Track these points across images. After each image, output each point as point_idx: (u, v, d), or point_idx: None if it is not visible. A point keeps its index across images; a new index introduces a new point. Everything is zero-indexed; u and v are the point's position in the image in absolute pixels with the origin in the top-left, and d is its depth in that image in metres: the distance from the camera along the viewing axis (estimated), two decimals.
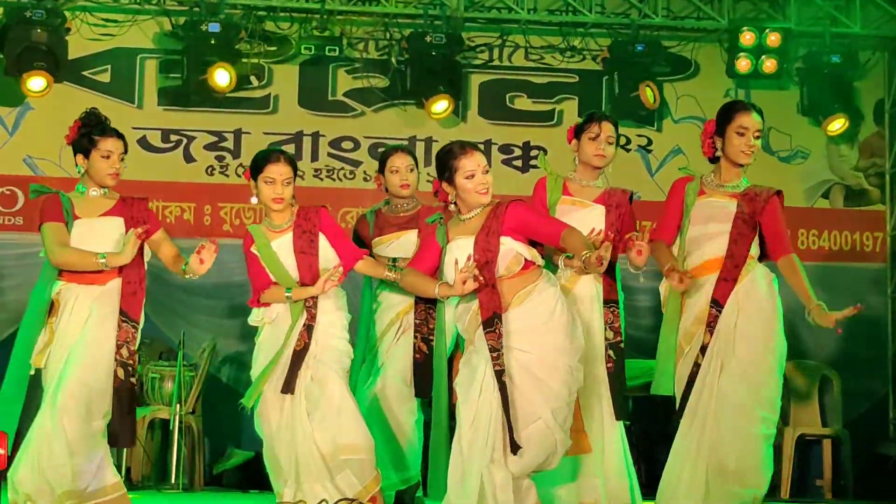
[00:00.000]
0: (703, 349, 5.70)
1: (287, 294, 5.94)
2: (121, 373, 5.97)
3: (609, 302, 6.01)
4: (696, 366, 5.71)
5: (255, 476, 8.52)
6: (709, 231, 5.79)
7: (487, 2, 10.04)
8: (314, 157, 10.00)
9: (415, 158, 6.82)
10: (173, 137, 9.91)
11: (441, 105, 9.67)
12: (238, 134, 9.96)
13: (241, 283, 9.45)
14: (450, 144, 5.59)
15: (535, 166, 9.86)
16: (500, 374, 5.31)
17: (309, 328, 5.94)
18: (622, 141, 9.65)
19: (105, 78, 9.85)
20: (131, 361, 6.01)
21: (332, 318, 6.02)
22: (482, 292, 5.37)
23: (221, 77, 9.49)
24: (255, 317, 6.10)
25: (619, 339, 5.99)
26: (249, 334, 9.20)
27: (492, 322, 5.36)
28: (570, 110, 10.09)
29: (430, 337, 6.22)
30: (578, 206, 6.05)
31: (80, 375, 5.90)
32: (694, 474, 5.67)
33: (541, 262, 5.51)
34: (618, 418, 5.95)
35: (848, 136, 10.30)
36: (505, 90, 10.24)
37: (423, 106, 9.75)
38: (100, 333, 5.97)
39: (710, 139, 5.90)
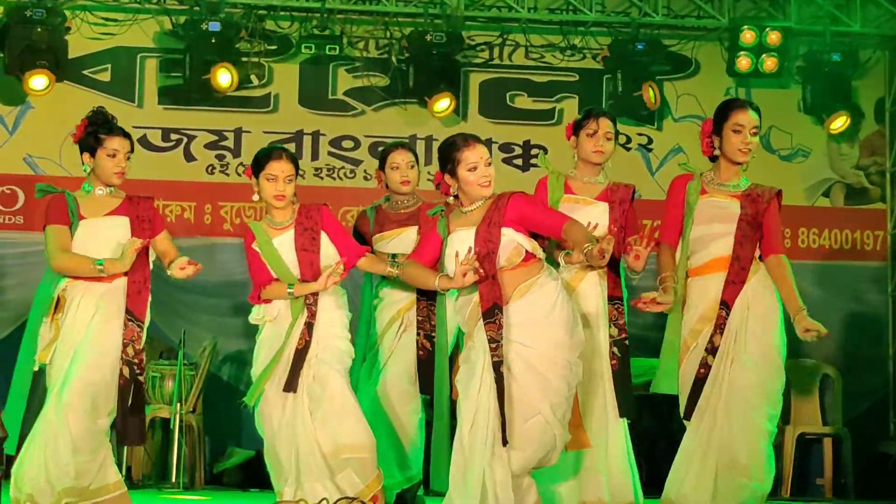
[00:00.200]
0: (713, 350, 5.68)
1: (289, 290, 5.94)
2: (126, 371, 5.97)
3: (613, 299, 5.98)
4: (706, 366, 5.69)
5: (255, 475, 8.52)
6: (713, 231, 5.77)
7: (487, 0, 10.04)
8: (314, 156, 10.00)
9: (415, 155, 6.82)
10: (174, 136, 9.91)
11: (443, 103, 9.67)
12: (238, 133, 9.96)
13: (241, 281, 9.46)
14: (453, 137, 5.59)
15: (535, 165, 9.86)
16: (497, 365, 5.31)
17: (310, 326, 5.94)
18: (622, 140, 9.66)
19: (105, 77, 9.85)
20: (137, 360, 6.01)
21: (333, 317, 6.02)
22: (483, 283, 5.36)
23: (224, 77, 9.50)
24: (256, 315, 6.10)
25: (623, 335, 5.97)
26: (250, 333, 9.20)
27: (492, 313, 5.35)
28: (570, 109, 10.08)
29: (433, 333, 6.22)
30: (581, 203, 6.03)
31: (86, 373, 5.91)
32: (703, 470, 5.66)
33: (541, 254, 5.50)
34: (621, 415, 5.93)
35: (849, 135, 10.30)
36: (505, 89, 10.23)
37: (425, 104, 9.75)
38: (105, 331, 5.97)
39: (708, 138, 5.89)
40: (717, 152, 5.87)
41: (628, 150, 10.07)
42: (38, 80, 9.32)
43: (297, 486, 5.89)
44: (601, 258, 5.17)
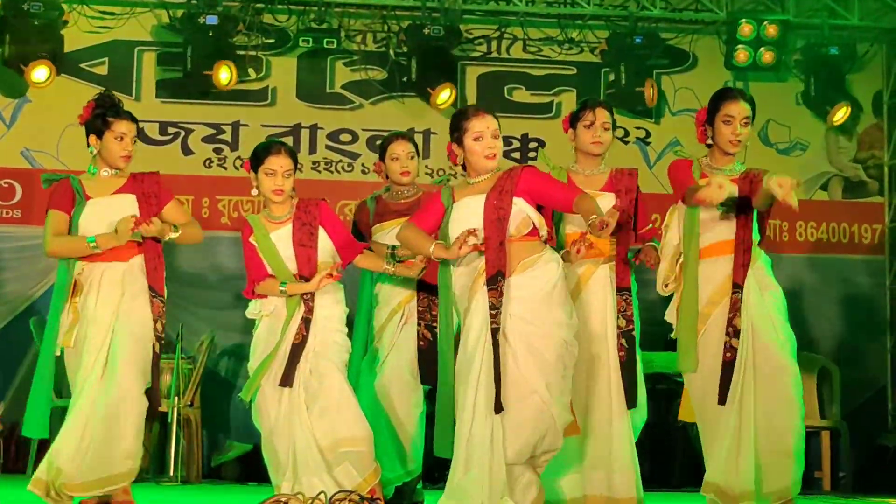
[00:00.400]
0: (736, 333, 5.65)
1: (282, 288, 5.94)
2: (157, 347, 6.03)
3: (622, 290, 5.96)
4: (731, 350, 5.67)
5: (253, 468, 8.54)
6: (718, 213, 5.78)
7: None
8: (312, 150, 10.00)
9: (415, 146, 6.81)
10: (171, 130, 9.91)
11: (445, 94, 9.67)
12: (236, 126, 9.95)
13: (239, 275, 9.43)
14: (465, 106, 5.61)
15: (533, 158, 9.86)
16: (495, 332, 5.32)
17: (307, 321, 5.94)
18: (620, 133, 9.67)
19: (103, 70, 9.84)
20: (163, 336, 6.06)
21: (330, 313, 6.02)
22: (490, 249, 5.37)
23: (223, 75, 9.52)
24: (253, 309, 6.10)
25: (630, 326, 5.93)
26: (248, 327, 9.18)
27: (495, 280, 5.36)
28: (568, 102, 10.07)
29: (434, 324, 6.23)
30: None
31: (135, 353, 5.93)
32: (746, 454, 5.61)
33: (545, 233, 5.49)
34: (628, 406, 5.90)
35: (846, 128, 10.31)
36: (503, 82, 10.23)
37: (423, 97, 9.76)
38: (137, 309, 5.98)
39: (702, 127, 5.91)
40: (710, 141, 5.89)
41: (626, 143, 10.07)
42: (39, 72, 9.33)
43: (294, 479, 5.88)
44: (600, 229, 5.16)
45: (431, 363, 6.04)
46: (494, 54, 10.25)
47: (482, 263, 5.42)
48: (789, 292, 5.95)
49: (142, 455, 6.07)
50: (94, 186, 6.08)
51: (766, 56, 9.80)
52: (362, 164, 9.95)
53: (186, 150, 9.88)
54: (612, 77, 10.05)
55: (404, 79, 9.83)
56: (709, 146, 5.91)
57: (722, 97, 5.88)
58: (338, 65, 10.10)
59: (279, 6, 9.92)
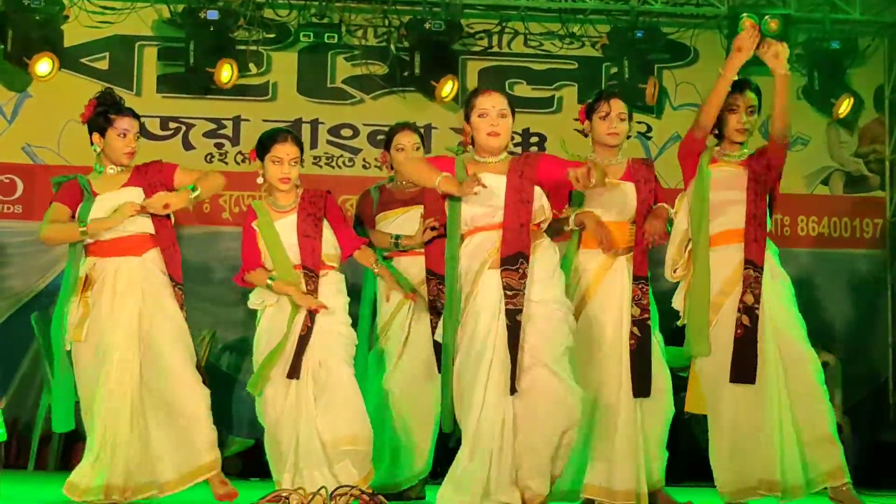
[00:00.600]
0: (747, 310, 5.67)
1: (269, 282, 5.94)
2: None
3: (638, 278, 5.95)
4: (742, 327, 5.68)
5: (255, 464, 8.52)
6: (729, 198, 5.81)
7: None
8: (313, 145, 9.99)
9: (421, 137, 6.81)
10: (172, 125, 9.90)
11: (448, 87, 9.67)
12: (237, 121, 9.95)
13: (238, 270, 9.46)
14: (478, 86, 5.60)
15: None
16: (514, 314, 5.27)
17: (310, 312, 5.94)
18: None
19: (103, 65, 9.84)
20: (187, 324, 6.09)
21: (335, 304, 6.02)
22: (509, 230, 5.34)
23: (225, 73, 9.53)
24: (256, 299, 6.09)
25: (645, 315, 5.92)
26: (249, 323, 9.18)
27: (515, 260, 5.32)
28: (569, 97, 10.08)
29: None
30: (609, 186, 6.03)
31: (181, 348, 5.97)
32: (789, 444, 5.64)
33: (548, 219, 5.49)
34: (636, 395, 5.87)
35: (848, 123, 10.31)
36: (504, 77, 10.22)
37: (424, 92, 9.76)
38: (168, 302, 6.02)
39: None
40: (716, 130, 5.91)
41: (627, 137, 10.02)
42: (43, 65, 9.33)
43: (295, 472, 5.89)
44: (588, 178, 5.17)
45: None
46: (495, 49, 10.24)
47: (491, 245, 5.38)
48: None
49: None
50: (101, 184, 6.09)
51: None
52: (363, 159, 9.95)
53: (187, 146, 9.88)
54: (613, 71, 10.05)
55: (405, 73, 9.82)
56: (717, 136, 5.93)
57: None
58: (339, 60, 10.09)
59: (280, 1, 9.92)
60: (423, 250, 6.50)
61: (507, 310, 5.29)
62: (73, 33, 9.65)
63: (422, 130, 7.15)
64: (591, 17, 10.13)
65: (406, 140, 6.73)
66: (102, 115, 6.09)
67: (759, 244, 5.75)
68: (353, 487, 5.61)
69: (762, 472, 5.68)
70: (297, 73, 10.06)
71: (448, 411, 5.46)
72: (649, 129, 10.23)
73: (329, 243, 6.05)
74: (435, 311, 6.37)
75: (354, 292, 6.30)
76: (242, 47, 9.78)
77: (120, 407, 5.86)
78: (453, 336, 5.42)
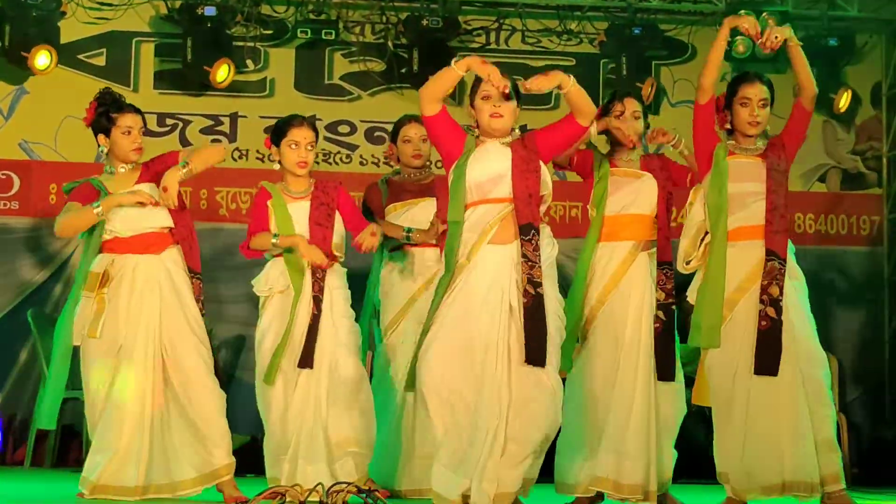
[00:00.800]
0: (772, 302, 5.65)
1: (273, 241, 5.93)
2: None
3: (662, 264, 5.97)
4: (767, 318, 5.66)
5: (251, 460, 8.50)
6: (747, 189, 5.80)
7: None
8: None
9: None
10: (169, 121, 9.89)
11: None
12: (234, 118, 9.94)
13: (238, 266, 9.46)
14: None
15: None
16: (536, 285, 5.19)
17: (317, 300, 5.93)
18: None
19: (100, 61, 9.82)
20: (204, 313, 6.08)
21: (342, 295, 6.05)
22: (520, 199, 5.28)
23: (221, 73, 9.52)
24: (263, 286, 6.07)
25: (670, 300, 5.94)
26: (248, 319, 9.23)
27: (528, 230, 5.25)
28: None
29: None
30: (631, 176, 6.04)
31: (202, 349, 5.95)
32: (804, 446, 5.63)
33: (545, 206, 5.44)
34: (660, 378, 5.87)
35: (845, 120, 10.31)
36: (505, 72, 10.19)
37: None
38: (188, 302, 5.99)
39: (720, 113, 5.94)
40: (728, 126, 5.91)
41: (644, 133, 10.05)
42: (41, 58, 9.30)
43: (294, 464, 5.89)
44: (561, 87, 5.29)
45: None
46: (493, 45, 10.23)
47: (492, 218, 5.30)
48: None
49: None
50: (114, 184, 6.08)
51: None
52: (360, 156, 9.95)
53: (185, 142, 9.86)
54: (610, 68, 10.05)
55: (403, 70, 9.82)
56: (729, 132, 5.94)
57: (737, 80, 5.97)
58: (336, 56, 10.08)
59: None
60: (434, 243, 6.48)
61: (531, 281, 5.19)
62: (70, 29, 9.63)
63: None
64: (588, 14, 10.12)
65: (413, 132, 6.72)
66: (104, 115, 6.08)
67: (782, 236, 5.74)
68: (349, 484, 5.61)
69: (777, 471, 5.66)
70: (294, 70, 10.05)
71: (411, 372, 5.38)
72: (647, 126, 10.20)
73: (339, 235, 6.07)
74: None
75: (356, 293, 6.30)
76: (240, 44, 9.77)
77: (141, 408, 5.84)
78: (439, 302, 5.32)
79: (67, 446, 9.01)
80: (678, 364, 5.96)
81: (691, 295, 5.87)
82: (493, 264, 5.26)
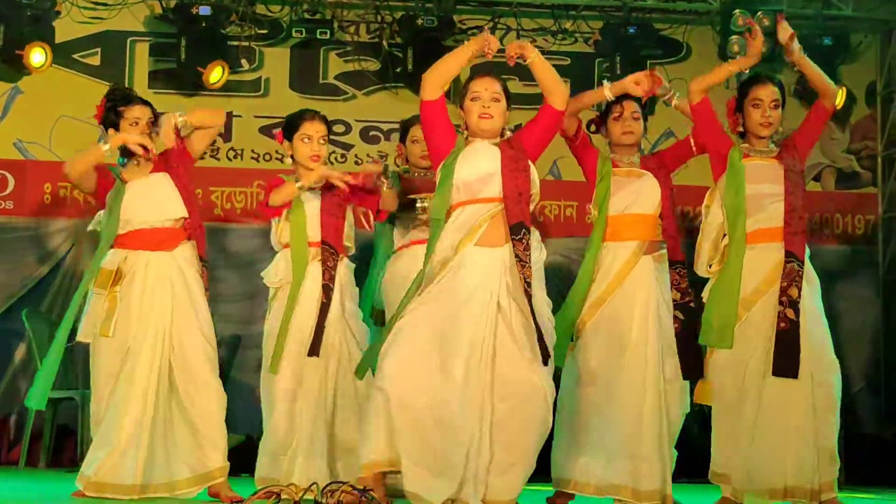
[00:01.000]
0: (791, 303, 5.66)
1: (298, 185, 5.94)
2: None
3: (674, 263, 5.97)
4: (786, 320, 5.67)
5: (245, 460, 8.51)
6: (764, 191, 5.82)
7: None
8: None
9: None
10: None
11: None
12: (229, 117, 9.90)
13: (233, 266, 9.46)
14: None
15: None
16: (528, 284, 5.14)
17: (327, 288, 5.93)
18: None
19: (95, 61, 9.81)
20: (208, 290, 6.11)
21: (349, 291, 6.06)
22: (510, 198, 5.24)
23: (215, 74, 9.52)
24: (274, 277, 6.07)
25: (687, 299, 5.93)
26: (245, 318, 9.25)
27: (519, 230, 5.21)
28: None
29: None
30: (633, 176, 6.03)
31: (206, 350, 5.94)
32: (809, 453, 5.65)
33: (538, 196, 5.42)
34: (686, 377, 5.87)
35: (840, 119, 10.32)
36: (498, 72, 10.18)
37: (419, 87, 9.73)
38: (198, 300, 5.98)
39: (732, 116, 5.96)
40: (741, 128, 5.92)
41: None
42: (37, 55, 9.29)
43: (294, 461, 5.89)
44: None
45: None
46: None
47: (480, 217, 5.26)
48: None
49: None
50: (129, 175, 6.07)
51: None
52: (355, 155, 9.94)
53: None
54: (605, 67, 10.05)
55: (398, 70, 9.82)
56: (741, 134, 5.95)
57: (749, 82, 6.02)
58: (331, 55, 10.08)
59: None
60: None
61: (525, 281, 5.15)
62: (65, 28, 9.63)
63: None
64: (583, 14, 10.13)
65: (421, 133, 6.72)
66: (112, 110, 6.09)
67: (800, 237, 5.75)
68: (344, 483, 5.60)
69: (780, 474, 5.66)
70: (289, 69, 10.04)
71: (368, 360, 5.34)
72: (644, 119, 10.20)
73: (350, 226, 6.10)
74: None
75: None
76: (234, 43, 9.77)
77: (144, 408, 5.82)
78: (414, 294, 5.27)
79: (62, 446, 9.00)
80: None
81: (706, 294, 5.88)
82: (482, 267, 5.21)
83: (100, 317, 5.88)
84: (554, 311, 5.45)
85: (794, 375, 5.62)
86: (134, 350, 5.83)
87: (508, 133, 5.46)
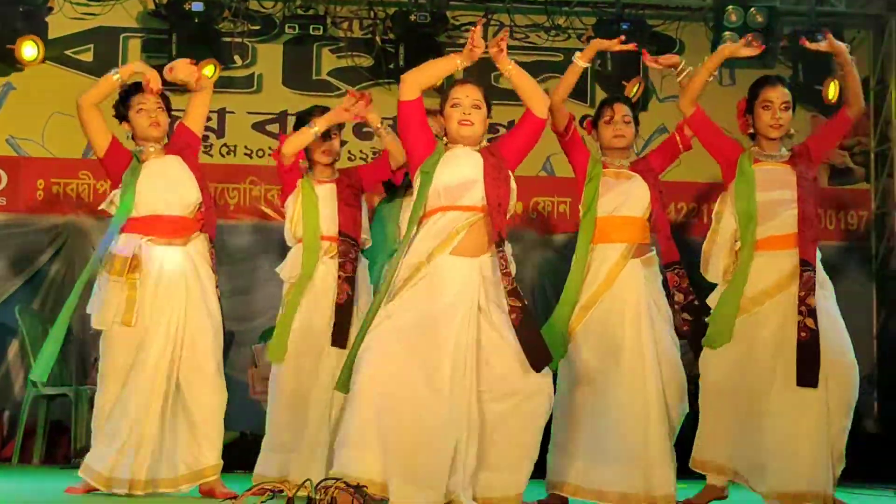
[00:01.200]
0: (810, 313, 5.63)
1: (313, 130, 5.96)
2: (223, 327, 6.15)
3: (671, 265, 5.96)
4: (806, 330, 5.63)
5: (240, 456, 8.52)
6: (775, 198, 5.79)
7: None
8: None
9: (443, 128, 6.80)
10: None
11: None
12: (222, 114, 9.93)
13: (226, 262, 9.45)
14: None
15: None
16: (517, 296, 5.09)
17: (350, 280, 5.92)
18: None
19: (88, 57, 9.81)
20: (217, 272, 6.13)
21: (365, 287, 6.06)
22: (493, 207, 5.17)
23: (206, 73, 9.50)
24: (287, 271, 6.07)
25: (690, 298, 5.92)
26: (241, 315, 9.24)
27: (501, 241, 5.15)
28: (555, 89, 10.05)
29: None
30: (622, 178, 6.00)
31: (214, 347, 5.99)
32: (823, 457, 5.67)
33: (514, 206, 5.37)
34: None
35: (832, 114, 10.32)
36: (490, 69, 10.00)
37: None
38: (210, 298, 6.01)
39: (743, 118, 5.95)
40: (751, 130, 5.92)
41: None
42: (28, 49, 9.28)
43: (290, 454, 5.90)
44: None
45: None
46: None
47: (458, 225, 5.17)
48: None
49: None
50: (145, 158, 6.08)
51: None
52: (349, 151, 9.94)
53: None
54: (598, 63, 10.04)
55: (391, 66, 9.82)
56: (751, 136, 5.94)
57: (758, 84, 5.98)
58: (324, 52, 10.08)
59: None
60: None
61: (509, 290, 5.09)
62: (58, 25, 9.62)
63: None
64: (576, 10, 10.13)
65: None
66: (121, 101, 6.11)
67: (812, 245, 5.73)
68: (338, 479, 5.60)
69: (795, 477, 5.65)
70: (282, 65, 10.05)
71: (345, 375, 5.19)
72: (636, 122, 10.20)
73: (365, 217, 6.13)
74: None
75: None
76: (227, 39, 9.77)
77: (152, 403, 5.80)
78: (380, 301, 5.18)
79: (56, 443, 8.99)
80: (681, 366, 5.91)
81: (712, 301, 5.87)
82: (459, 276, 5.13)
83: (119, 306, 5.85)
84: (547, 311, 5.42)
85: (815, 385, 5.63)
86: (146, 344, 5.82)
87: (485, 142, 5.40)
